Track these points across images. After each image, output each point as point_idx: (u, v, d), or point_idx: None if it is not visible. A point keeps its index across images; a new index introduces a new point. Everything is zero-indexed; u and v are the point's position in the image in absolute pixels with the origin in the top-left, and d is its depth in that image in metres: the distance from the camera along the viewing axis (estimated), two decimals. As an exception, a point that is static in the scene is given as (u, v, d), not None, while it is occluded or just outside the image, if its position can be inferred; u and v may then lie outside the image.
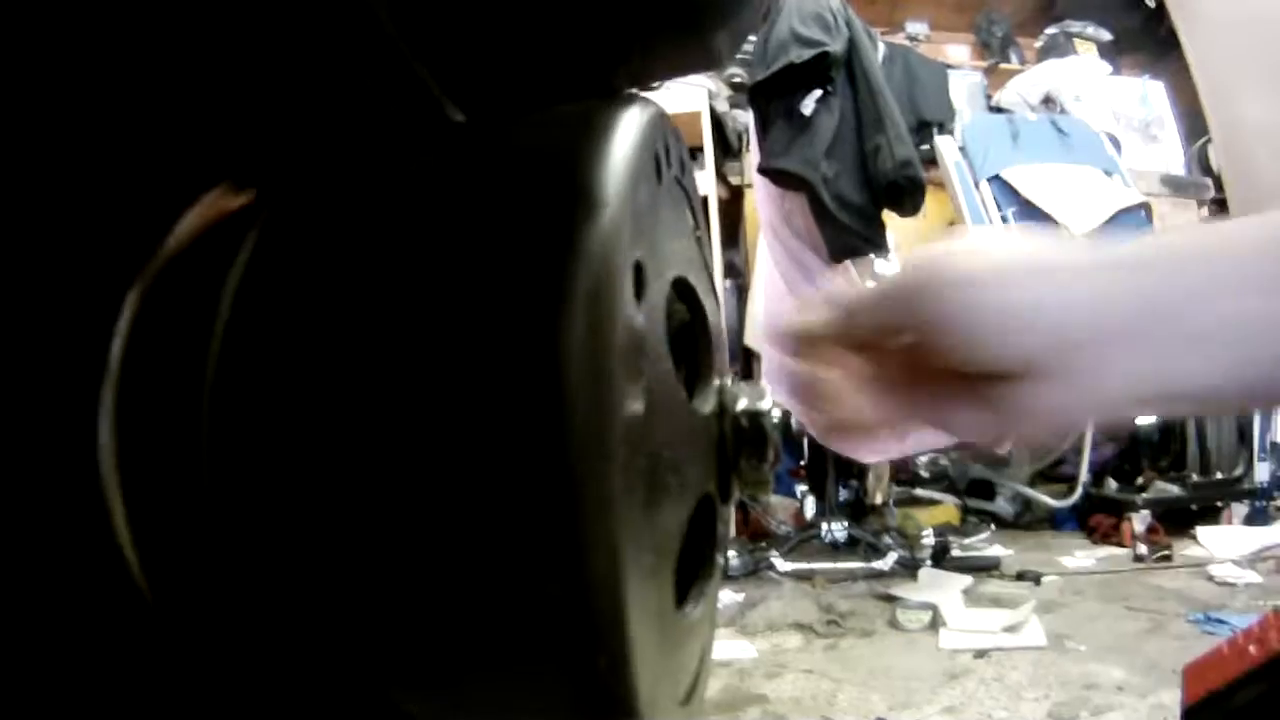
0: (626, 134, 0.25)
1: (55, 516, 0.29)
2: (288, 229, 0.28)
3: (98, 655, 0.30)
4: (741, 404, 0.34)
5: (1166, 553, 2.75)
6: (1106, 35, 4.43)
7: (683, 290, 0.31)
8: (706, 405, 0.33)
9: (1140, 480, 3.38)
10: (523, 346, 0.22)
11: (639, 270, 0.24)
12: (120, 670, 0.30)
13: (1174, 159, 4.17)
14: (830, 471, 2.82)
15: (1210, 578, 2.49)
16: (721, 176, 3.47)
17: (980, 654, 1.85)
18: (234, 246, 0.28)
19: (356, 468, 0.24)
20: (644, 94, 0.34)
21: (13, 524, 0.28)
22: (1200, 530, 3.00)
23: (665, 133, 0.29)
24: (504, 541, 0.23)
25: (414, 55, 0.35)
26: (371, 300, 0.25)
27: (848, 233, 2.21)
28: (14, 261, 0.28)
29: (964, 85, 3.93)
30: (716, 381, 0.34)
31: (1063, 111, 3.88)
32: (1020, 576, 2.49)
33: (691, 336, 0.33)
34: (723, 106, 3.49)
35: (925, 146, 3.04)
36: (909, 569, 2.53)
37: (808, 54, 2.20)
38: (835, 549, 2.70)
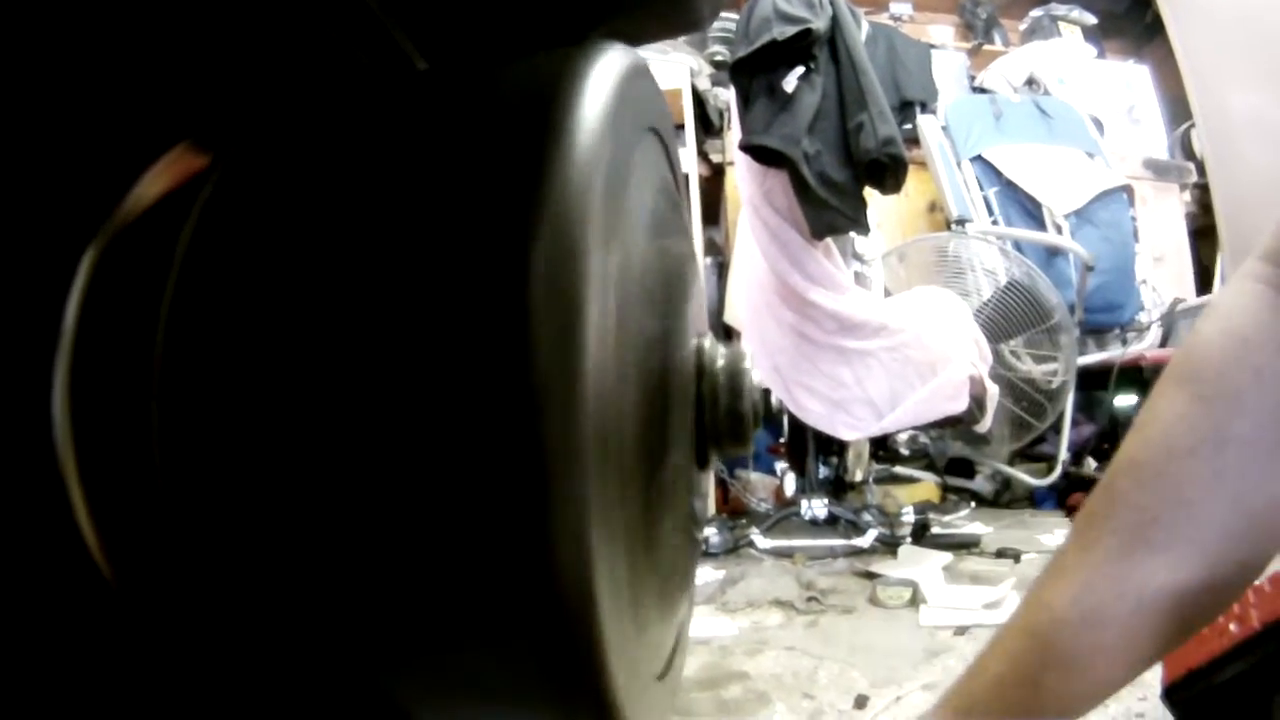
0: (601, 79, 0.24)
1: (9, 494, 0.28)
2: (240, 185, 0.27)
3: (61, 640, 0.29)
4: (720, 363, 0.33)
5: (1144, 531, 2.76)
6: (1091, 19, 4.44)
7: (660, 246, 0.30)
8: (686, 364, 0.32)
9: (1118, 460, 3.41)
10: (486, 312, 0.21)
11: (611, 223, 0.23)
12: (85, 655, 0.29)
13: (1157, 143, 4.20)
14: (810, 448, 2.82)
15: (1187, 556, 2.51)
16: (703, 154, 3.46)
17: (961, 631, 1.86)
18: (188, 205, 0.27)
19: (311, 437, 0.23)
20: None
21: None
22: (1177, 509, 3.02)
23: (643, 81, 0.27)
24: (470, 508, 0.22)
25: (381, 8, 0.34)
26: (324, 258, 0.24)
27: (829, 210, 2.20)
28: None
29: (947, 65, 3.93)
30: (694, 341, 0.33)
31: (1046, 93, 3.89)
32: (1000, 554, 2.51)
33: (668, 291, 0.32)
34: (704, 84, 3.48)
35: (908, 126, 3.04)
36: (889, 546, 2.54)
37: (790, 31, 2.18)
38: (815, 526, 2.71)
